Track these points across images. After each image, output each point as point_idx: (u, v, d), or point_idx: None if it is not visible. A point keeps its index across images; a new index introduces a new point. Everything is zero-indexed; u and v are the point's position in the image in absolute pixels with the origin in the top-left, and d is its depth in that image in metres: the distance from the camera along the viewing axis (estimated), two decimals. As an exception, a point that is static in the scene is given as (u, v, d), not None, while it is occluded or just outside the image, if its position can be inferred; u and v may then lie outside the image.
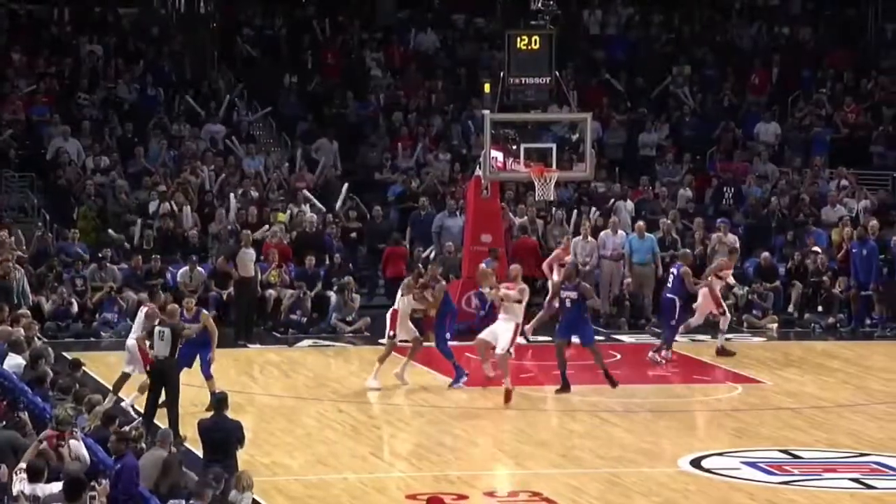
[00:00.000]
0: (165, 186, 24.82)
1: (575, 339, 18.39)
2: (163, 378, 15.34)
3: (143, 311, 16.53)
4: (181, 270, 22.78)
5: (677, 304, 19.78)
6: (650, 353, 19.73)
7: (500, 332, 17.25)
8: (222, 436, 12.71)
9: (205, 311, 16.96)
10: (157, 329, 15.49)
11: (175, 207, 24.25)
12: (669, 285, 19.95)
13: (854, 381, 18.88)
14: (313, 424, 16.26)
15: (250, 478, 11.66)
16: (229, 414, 13.06)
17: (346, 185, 25.50)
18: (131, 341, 16.46)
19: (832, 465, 14.71)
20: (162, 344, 15.33)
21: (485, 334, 17.66)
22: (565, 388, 17.72)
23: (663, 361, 19.60)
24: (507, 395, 17.04)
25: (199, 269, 22.71)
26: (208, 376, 16.48)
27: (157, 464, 11.79)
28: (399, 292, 18.37)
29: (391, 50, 30.19)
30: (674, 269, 20.14)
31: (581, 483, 13.91)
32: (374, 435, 15.99)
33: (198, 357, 16.47)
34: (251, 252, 21.94)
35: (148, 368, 15.69)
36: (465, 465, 14.81)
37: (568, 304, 17.94)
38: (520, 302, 17.40)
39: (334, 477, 14.40)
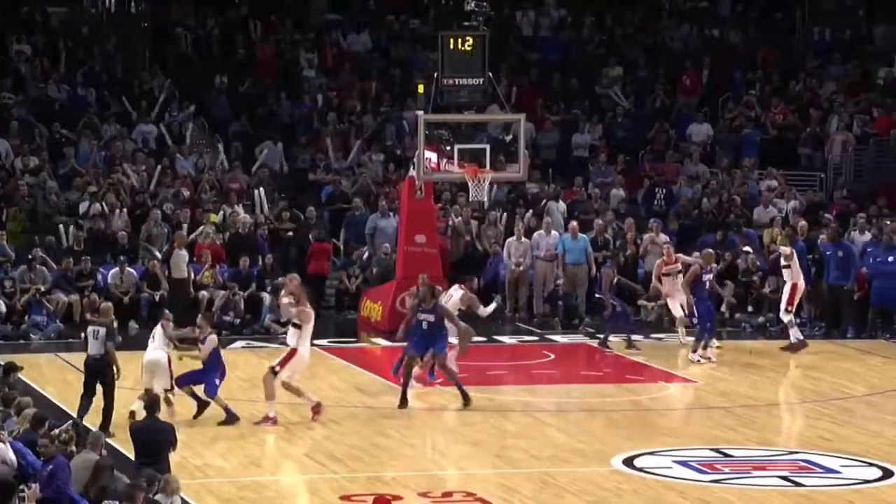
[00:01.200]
0: (96, 187, 24.58)
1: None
2: (97, 376, 15.44)
3: (161, 325, 16.18)
4: (112, 272, 22.59)
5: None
6: (689, 355, 19.70)
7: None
8: (154, 438, 12.61)
9: (213, 337, 16.46)
10: (90, 329, 15.58)
11: (106, 208, 24.02)
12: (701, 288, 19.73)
13: (784, 380, 19.07)
14: (246, 426, 16.16)
15: (177, 481, 11.56)
16: (161, 416, 12.95)
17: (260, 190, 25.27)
18: (155, 355, 15.90)
19: (762, 464, 14.83)
20: (96, 343, 15.47)
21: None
22: (403, 403, 16.83)
23: (700, 360, 19.61)
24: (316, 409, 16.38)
25: (130, 269, 22.51)
26: (213, 396, 16.19)
27: (88, 467, 11.66)
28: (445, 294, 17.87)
29: (324, 50, 30.10)
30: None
31: (515, 483, 13.93)
32: (307, 436, 15.91)
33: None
34: (184, 253, 21.78)
35: (172, 383, 15.63)
36: (399, 466, 14.79)
37: (424, 326, 16.97)
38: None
39: (267, 479, 14.32)
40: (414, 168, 21.80)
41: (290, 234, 24.34)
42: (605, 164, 27.65)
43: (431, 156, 21.36)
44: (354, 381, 18.57)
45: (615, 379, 19.16)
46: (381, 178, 26.47)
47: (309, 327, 16.35)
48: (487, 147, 21.06)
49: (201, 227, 23.56)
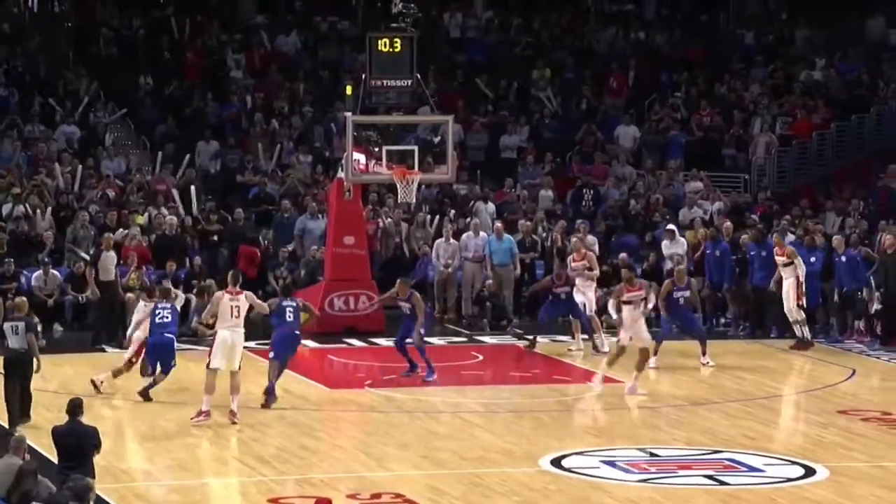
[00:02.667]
0: (20, 188, 24.28)
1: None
2: (20, 370, 15.55)
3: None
4: (35, 274, 22.32)
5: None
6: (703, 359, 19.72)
7: None
8: (77, 441, 12.45)
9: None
10: (7, 325, 15.73)
11: (29, 210, 23.73)
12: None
13: (709, 380, 19.23)
14: (173, 429, 16.03)
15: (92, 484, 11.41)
16: (84, 419, 12.80)
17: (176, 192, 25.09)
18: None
19: (687, 463, 14.95)
20: (17, 338, 15.55)
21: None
22: (269, 401, 16.97)
23: (710, 362, 19.66)
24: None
25: (54, 272, 22.25)
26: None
27: (11, 472, 11.48)
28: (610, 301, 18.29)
29: (252, 51, 29.96)
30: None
31: (443, 484, 13.93)
32: (235, 438, 15.82)
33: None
34: (112, 255, 21.53)
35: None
36: (327, 468, 14.74)
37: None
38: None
39: (195, 482, 14.21)
40: (342, 169, 21.75)
41: (216, 237, 24.15)
42: (533, 166, 27.77)
43: (360, 157, 21.33)
44: (282, 382, 18.48)
45: (544, 380, 19.22)
46: (309, 180, 26.38)
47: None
48: (416, 148, 21.07)
49: (127, 230, 23.33)
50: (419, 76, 21.41)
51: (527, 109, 29.69)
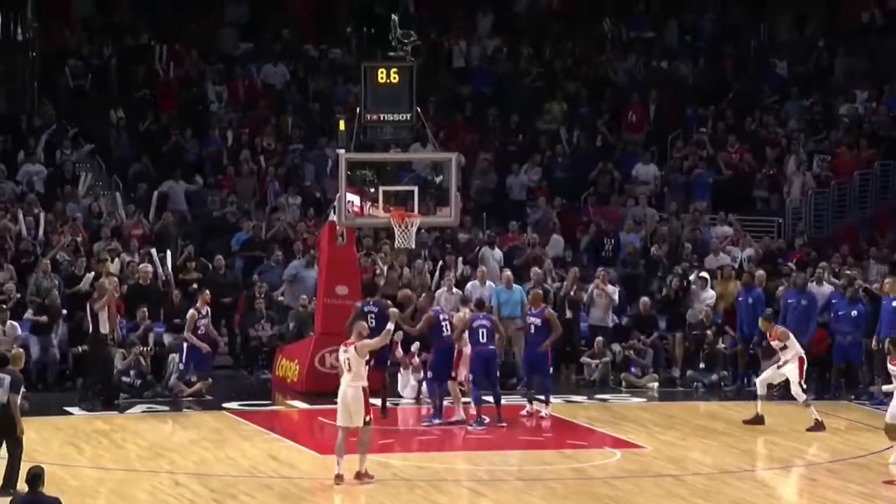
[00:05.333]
0: (-22, 234, 24.34)
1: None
2: (3, 428, 15.56)
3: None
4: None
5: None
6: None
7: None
8: (38, 515, 12.42)
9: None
10: None
11: (-13, 258, 23.77)
12: None
13: (739, 445, 19.21)
14: (147, 499, 16.03)
15: None
16: (46, 490, 12.79)
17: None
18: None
19: (717, 536, 14.92)
20: (0, 391, 15.54)
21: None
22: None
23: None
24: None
25: (13, 323, 22.26)
26: None
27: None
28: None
29: (235, 83, 30.13)
30: None
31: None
32: (216, 511, 15.82)
33: None
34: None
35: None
36: (318, 543, 14.73)
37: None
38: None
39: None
40: (335, 212, 21.83)
41: (196, 285, 24.16)
42: (544, 208, 27.83)
43: (354, 199, 21.39)
44: (269, 448, 18.47)
45: (557, 444, 19.23)
46: (297, 223, 26.45)
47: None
48: (415, 189, 21.14)
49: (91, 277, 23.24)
50: (419, 110, 21.53)
51: (537, 146, 29.82)
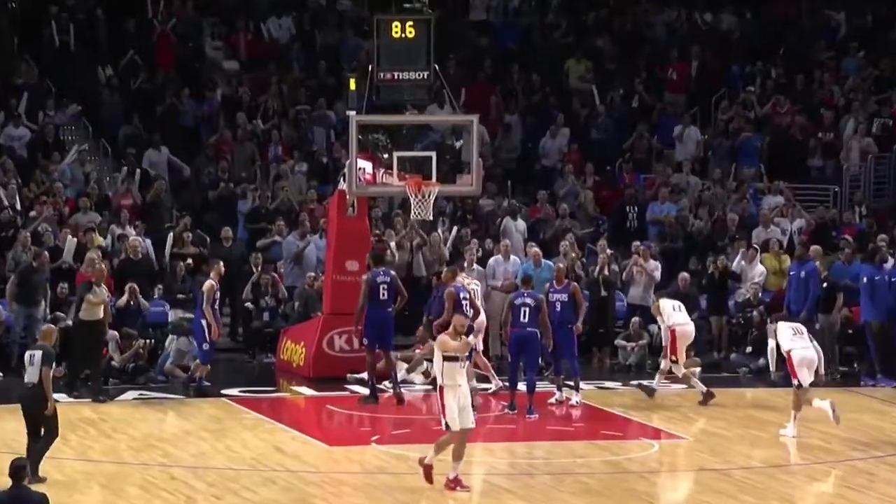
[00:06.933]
0: (-44, 204, 24.43)
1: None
2: (32, 409, 15.98)
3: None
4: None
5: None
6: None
7: None
8: (21, 511, 12.47)
9: None
10: (27, 353, 16.15)
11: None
12: None
13: (790, 437, 19.17)
14: (138, 494, 16.09)
15: None
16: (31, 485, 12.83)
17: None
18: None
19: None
20: (32, 369, 15.90)
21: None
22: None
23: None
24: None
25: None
26: None
27: None
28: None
29: (236, 38, 30.13)
30: None
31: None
32: (216, 507, 15.88)
33: None
34: (102, 290, 21.19)
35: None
36: (326, 543, 14.78)
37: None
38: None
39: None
40: (345, 180, 21.83)
41: (190, 260, 24.16)
42: (574, 175, 27.80)
43: (366, 165, 21.41)
44: (273, 439, 18.52)
45: (588, 435, 19.23)
46: (304, 193, 26.47)
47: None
48: (433, 155, 21.13)
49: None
50: (437, 67, 21.50)
51: (567, 108, 29.76)
